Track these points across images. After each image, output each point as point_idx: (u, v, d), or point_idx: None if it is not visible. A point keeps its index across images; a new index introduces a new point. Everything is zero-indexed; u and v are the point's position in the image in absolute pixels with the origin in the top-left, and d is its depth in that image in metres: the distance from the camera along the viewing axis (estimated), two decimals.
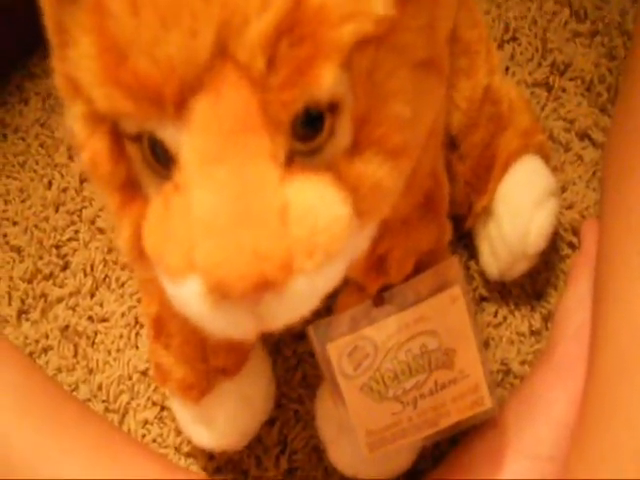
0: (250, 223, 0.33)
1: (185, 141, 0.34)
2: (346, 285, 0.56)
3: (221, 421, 0.63)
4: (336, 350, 0.54)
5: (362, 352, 0.55)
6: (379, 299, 0.54)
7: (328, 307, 0.55)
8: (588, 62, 0.82)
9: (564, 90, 0.81)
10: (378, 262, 0.53)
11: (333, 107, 0.35)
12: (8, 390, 0.62)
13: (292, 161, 0.35)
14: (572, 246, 0.74)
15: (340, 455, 0.63)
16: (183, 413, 0.65)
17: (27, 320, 0.79)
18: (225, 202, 0.33)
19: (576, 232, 0.74)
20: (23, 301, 0.80)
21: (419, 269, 0.55)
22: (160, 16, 0.32)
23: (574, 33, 0.84)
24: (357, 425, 0.57)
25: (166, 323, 0.61)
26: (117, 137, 0.38)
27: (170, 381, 0.63)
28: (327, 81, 0.33)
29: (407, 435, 0.58)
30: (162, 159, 0.36)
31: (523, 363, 0.70)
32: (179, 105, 0.33)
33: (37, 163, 0.87)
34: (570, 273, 0.69)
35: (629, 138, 0.66)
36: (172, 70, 0.32)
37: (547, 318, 0.72)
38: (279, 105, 0.33)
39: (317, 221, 0.34)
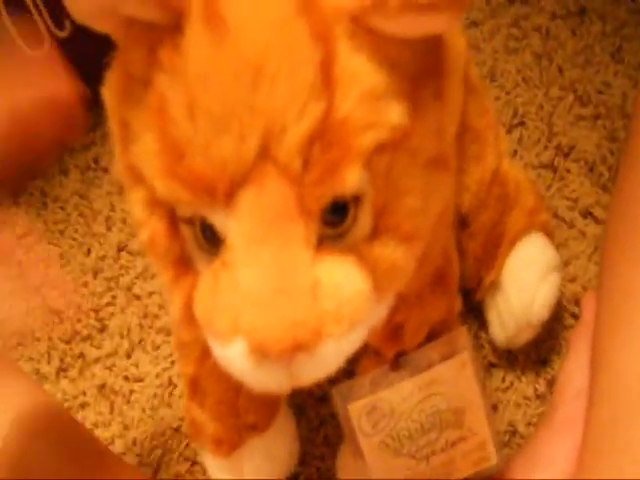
0: (287, 296, 0.38)
1: (232, 225, 0.39)
2: (366, 351, 0.60)
3: (248, 473, 0.68)
4: (356, 410, 0.59)
5: (380, 412, 0.59)
6: (395, 364, 0.59)
7: (349, 371, 0.58)
8: (591, 144, 0.87)
9: (568, 171, 0.86)
10: (394, 330, 0.58)
11: (356, 199, 0.40)
12: None
13: (322, 244, 0.40)
14: (574, 316, 0.79)
15: None
16: (213, 465, 0.70)
17: (65, 377, 0.84)
18: (266, 277, 0.38)
19: (578, 303, 0.78)
20: (62, 360, 0.85)
21: (432, 336, 0.60)
22: (214, 122, 0.37)
23: (578, 117, 0.89)
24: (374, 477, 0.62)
25: (202, 383, 0.65)
26: (173, 219, 0.43)
27: (203, 436, 0.67)
28: (352, 180, 0.38)
29: None
30: (212, 240, 0.41)
31: (529, 425, 0.74)
32: (228, 196, 0.38)
33: (76, 231, 0.93)
34: (570, 342, 0.73)
35: (625, 217, 0.69)
36: (223, 168, 0.38)
37: (551, 383, 0.75)
38: (312, 198, 0.38)
39: (343, 295, 0.40)
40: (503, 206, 0.72)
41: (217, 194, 0.38)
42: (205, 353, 0.50)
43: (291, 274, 0.39)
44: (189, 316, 0.44)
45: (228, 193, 0.38)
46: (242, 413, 0.66)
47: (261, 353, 0.38)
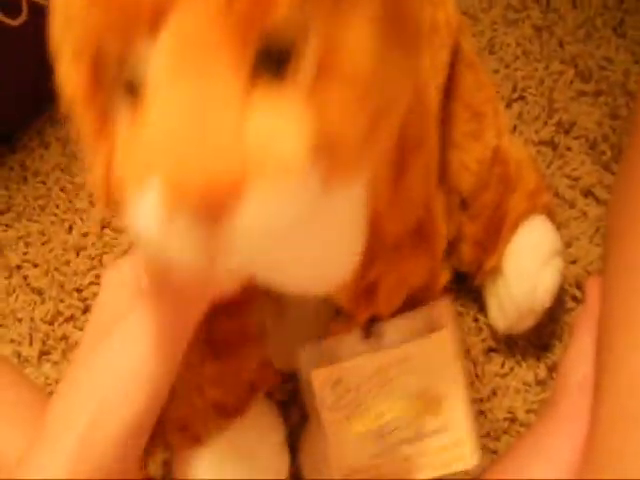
0: (206, 136, 0.33)
1: (153, 59, 0.34)
2: (337, 314, 0.56)
3: (221, 473, 0.58)
4: (319, 379, 0.53)
5: (346, 385, 0.54)
6: (367, 332, 0.54)
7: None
8: (592, 121, 0.85)
9: (569, 149, 0.84)
10: (368, 289, 0.52)
11: (295, 42, 0.35)
12: None
13: (257, 87, 0.34)
14: (576, 300, 0.77)
15: None
16: (181, 464, 0.59)
17: (48, 361, 0.81)
18: (185, 114, 0.33)
19: (580, 286, 0.77)
20: (44, 342, 0.82)
21: (410, 306, 0.55)
22: None
23: (579, 93, 0.87)
24: (333, 460, 0.55)
25: None
26: (96, 72, 0.37)
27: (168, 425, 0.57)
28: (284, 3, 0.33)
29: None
30: (134, 89, 0.36)
31: (529, 412, 0.72)
32: (152, 25, 0.33)
33: (58, 207, 0.90)
34: (574, 327, 0.71)
35: (632, 196, 0.68)
36: None
37: (552, 368, 0.74)
38: (243, 26, 0.33)
39: (273, 143, 0.34)
40: (504, 187, 0.69)
41: (140, 22, 0.34)
42: None
43: (215, 111, 0.33)
44: (109, 186, 0.38)
45: (151, 21, 0.33)
46: (206, 386, 0.57)
47: (175, 198, 0.32)
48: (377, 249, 0.47)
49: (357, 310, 0.54)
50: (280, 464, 0.61)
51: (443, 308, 0.54)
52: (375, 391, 0.54)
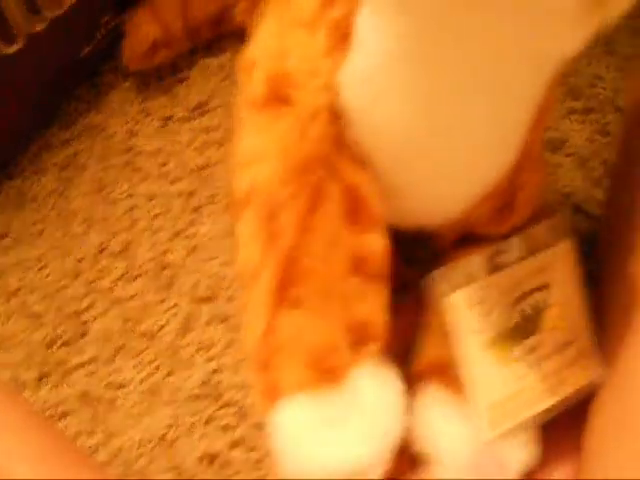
0: None
1: None
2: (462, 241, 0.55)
3: (357, 421, 0.47)
4: (461, 301, 0.50)
5: (487, 304, 0.50)
6: (495, 250, 0.52)
7: None
8: (582, 138, 0.85)
9: (560, 165, 0.84)
10: (509, 199, 0.52)
11: None
12: None
13: None
14: None
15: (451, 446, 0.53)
16: (302, 417, 0.47)
17: (46, 385, 0.81)
18: None
19: None
20: (42, 366, 0.82)
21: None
22: None
23: (569, 110, 0.87)
24: (479, 397, 0.50)
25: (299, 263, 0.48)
26: None
27: (293, 363, 0.47)
28: None
29: (529, 407, 0.52)
30: None
31: None
32: None
33: (54, 233, 0.90)
34: None
35: (624, 211, 0.68)
36: None
37: None
38: None
39: None
40: None
41: None
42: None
43: None
44: None
45: None
46: (353, 300, 0.48)
47: None
48: (525, 157, 0.48)
49: (493, 223, 0.53)
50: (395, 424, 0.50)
51: (563, 219, 0.55)
52: (511, 307, 0.52)
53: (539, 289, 0.52)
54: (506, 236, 0.53)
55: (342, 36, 0.44)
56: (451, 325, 0.50)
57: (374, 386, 0.47)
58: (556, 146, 0.85)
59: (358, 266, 0.47)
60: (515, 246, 0.52)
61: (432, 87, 0.42)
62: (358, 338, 0.47)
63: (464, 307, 0.49)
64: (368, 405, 0.46)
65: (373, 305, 0.48)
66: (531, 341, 0.51)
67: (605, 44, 0.91)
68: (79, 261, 0.87)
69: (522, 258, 0.52)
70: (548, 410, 0.53)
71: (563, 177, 0.84)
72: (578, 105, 0.88)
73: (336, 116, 0.46)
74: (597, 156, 0.84)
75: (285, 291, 0.46)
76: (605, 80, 0.89)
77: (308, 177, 0.46)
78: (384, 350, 0.49)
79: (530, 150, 0.47)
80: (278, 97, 0.47)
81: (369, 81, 0.44)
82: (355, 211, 0.47)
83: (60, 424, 0.78)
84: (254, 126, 0.48)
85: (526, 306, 0.51)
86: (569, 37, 0.41)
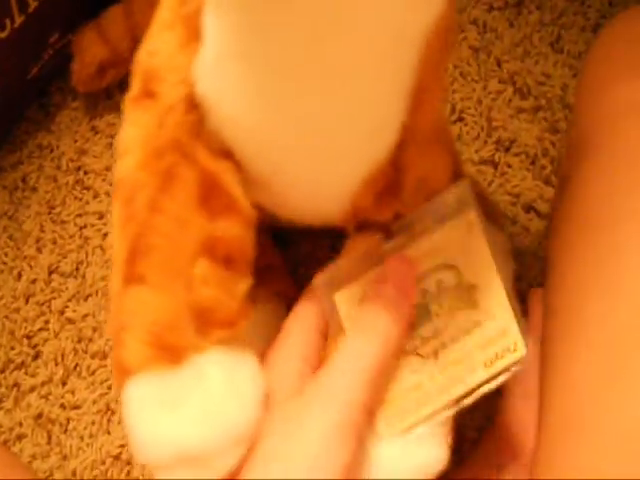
0: None
1: None
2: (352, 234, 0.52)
3: (196, 403, 0.45)
4: (344, 299, 0.47)
5: None
6: (389, 232, 0.49)
7: None
8: (532, 137, 0.85)
9: (509, 166, 0.84)
10: (394, 182, 0.49)
11: None
12: None
13: None
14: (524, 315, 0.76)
15: None
16: (141, 397, 0.45)
17: (0, 409, 0.81)
18: None
19: (525, 301, 0.76)
20: None
21: None
22: None
23: (518, 110, 0.87)
24: None
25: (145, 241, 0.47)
26: None
27: (134, 340, 0.46)
28: None
29: (431, 401, 0.48)
30: None
31: (478, 429, 0.72)
32: None
33: (6, 255, 0.90)
34: None
35: (572, 213, 0.68)
36: None
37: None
38: None
39: None
40: None
41: None
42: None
43: None
44: None
45: None
46: (198, 285, 0.47)
47: None
48: (408, 138, 0.46)
49: (379, 208, 0.50)
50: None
51: (464, 188, 0.49)
52: None
53: (441, 268, 0.48)
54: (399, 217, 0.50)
55: (193, 31, 0.45)
56: (338, 327, 0.48)
57: (219, 373, 0.45)
58: (505, 146, 0.85)
59: (208, 250, 0.47)
60: (408, 226, 0.49)
61: (278, 78, 0.42)
62: (204, 322, 0.46)
63: (348, 306, 0.47)
64: (209, 391, 0.45)
65: (222, 291, 0.48)
66: (429, 328, 0.48)
67: (552, 42, 0.91)
68: (32, 282, 0.87)
69: (417, 238, 0.48)
70: (462, 399, 0.49)
71: (513, 177, 0.83)
72: (526, 104, 0.87)
73: (193, 106, 0.47)
74: (547, 154, 0.84)
75: (132, 267, 0.46)
76: (553, 78, 0.88)
77: (162, 162, 0.47)
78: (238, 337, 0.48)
79: (413, 133, 0.46)
80: (146, 92, 0.48)
81: (215, 74, 0.45)
82: (209, 197, 0.47)
83: (16, 448, 0.78)
84: (128, 120, 0.49)
85: (429, 286, 0.48)
86: (424, 4, 0.41)
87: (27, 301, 0.86)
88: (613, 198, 0.62)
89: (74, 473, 0.76)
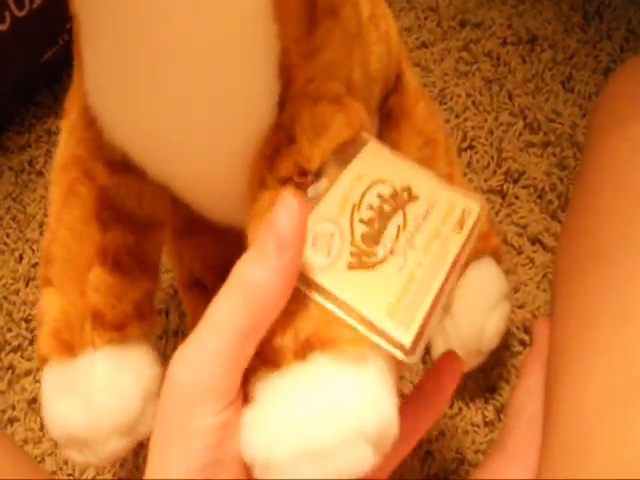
0: None
1: None
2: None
3: (83, 393, 0.50)
4: None
5: (325, 235, 0.47)
6: (304, 182, 0.48)
7: None
8: (540, 171, 0.87)
9: (517, 197, 0.86)
10: (285, 138, 0.48)
11: None
12: None
13: None
14: (523, 343, 0.78)
15: None
16: (46, 383, 0.51)
17: None
18: None
19: (527, 330, 0.78)
20: None
21: None
22: None
23: (527, 144, 0.89)
24: (372, 317, 0.44)
25: (51, 249, 0.53)
26: None
27: (43, 334, 0.51)
28: None
29: (430, 283, 0.47)
30: None
31: (477, 452, 0.73)
32: None
33: (8, 237, 0.89)
34: (523, 367, 0.72)
35: (578, 243, 0.70)
36: None
37: (500, 410, 0.75)
38: None
39: None
40: None
41: None
42: None
43: None
44: None
45: None
46: (90, 290, 0.51)
47: None
48: (287, 95, 0.47)
49: (281, 164, 0.48)
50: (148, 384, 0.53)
51: (363, 135, 0.49)
52: (355, 217, 0.47)
53: (370, 186, 0.48)
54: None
55: (78, 52, 0.48)
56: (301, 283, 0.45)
57: (105, 368, 0.50)
58: (514, 177, 0.87)
59: (101, 258, 0.51)
60: (324, 170, 0.48)
61: (135, 73, 0.44)
62: (97, 324, 0.51)
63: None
64: (94, 384, 0.50)
65: (112, 297, 0.52)
66: (390, 230, 0.47)
67: (563, 81, 0.93)
68: (33, 266, 0.86)
69: (334, 181, 0.47)
70: (448, 279, 0.47)
71: (520, 209, 0.85)
72: (536, 139, 0.89)
73: (90, 123, 0.49)
74: (554, 189, 0.85)
75: (45, 271, 0.52)
76: (563, 116, 0.90)
77: (66, 177, 0.52)
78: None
79: (293, 94, 0.47)
80: (65, 110, 0.53)
81: (95, 87, 0.47)
82: (102, 210, 0.52)
83: (8, 431, 0.77)
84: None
85: (372, 202, 0.47)
86: None
87: (27, 284, 0.85)
88: (624, 229, 0.63)
89: (66, 461, 0.75)
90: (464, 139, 0.90)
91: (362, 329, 0.43)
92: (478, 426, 0.74)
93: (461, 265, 0.48)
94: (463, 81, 0.95)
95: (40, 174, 0.92)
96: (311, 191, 0.47)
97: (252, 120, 0.47)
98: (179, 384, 0.40)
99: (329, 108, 0.48)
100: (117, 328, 0.52)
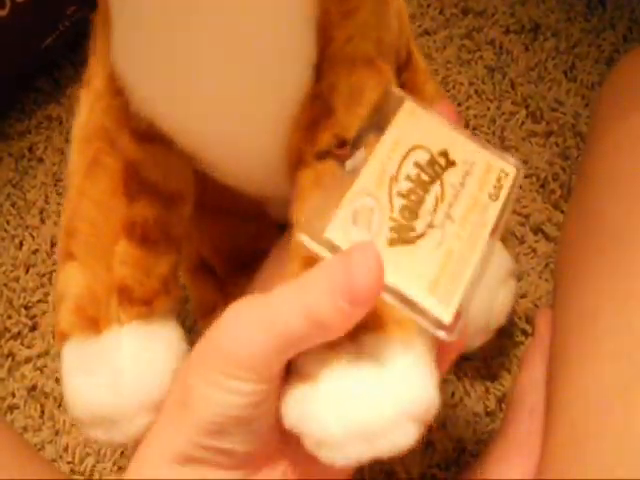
0: None
1: None
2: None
3: (107, 370, 0.49)
4: (334, 235, 0.45)
5: (365, 210, 0.46)
6: (342, 154, 0.47)
7: None
8: (543, 161, 0.86)
9: (520, 187, 0.85)
10: (324, 107, 0.48)
11: None
12: None
13: None
14: (525, 333, 0.78)
15: None
16: (69, 360, 0.50)
17: None
18: None
19: (529, 320, 0.78)
20: None
21: None
22: None
23: (530, 133, 0.89)
24: (413, 293, 0.44)
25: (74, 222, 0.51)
26: None
27: (64, 309, 0.50)
28: None
29: (470, 256, 0.46)
30: None
31: (478, 442, 0.73)
32: None
33: (8, 223, 0.89)
34: (525, 357, 0.72)
35: (581, 234, 0.69)
36: None
37: (501, 400, 0.75)
38: None
39: None
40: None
41: None
42: None
43: None
44: None
45: None
46: (118, 264, 0.50)
47: None
48: (324, 56, 0.47)
49: (319, 136, 0.48)
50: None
51: (392, 91, 0.49)
52: (393, 189, 0.46)
53: (408, 154, 0.47)
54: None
55: (104, 19, 0.48)
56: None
57: (133, 344, 0.49)
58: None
59: (128, 232, 0.50)
60: (358, 139, 0.47)
61: (172, 39, 0.43)
62: (124, 298, 0.50)
63: (344, 232, 0.45)
64: (120, 360, 0.48)
65: (139, 271, 0.51)
66: (429, 201, 0.46)
67: (566, 70, 0.93)
68: (33, 253, 0.86)
69: (371, 149, 0.47)
70: (492, 240, 0.47)
71: (523, 198, 0.85)
72: (539, 128, 0.89)
73: (117, 92, 0.48)
74: (557, 179, 0.85)
75: (66, 245, 0.50)
76: (566, 105, 0.90)
77: (90, 148, 0.50)
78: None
79: (330, 60, 0.46)
80: (86, 80, 0.52)
81: (125, 54, 0.46)
82: (128, 183, 0.50)
83: (7, 418, 0.77)
84: (77, 108, 0.53)
85: (410, 172, 0.47)
86: None
87: (27, 271, 0.85)
88: (626, 219, 0.63)
89: (66, 449, 0.75)
90: (466, 127, 0.89)
91: (405, 310, 0.43)
92: (479, 416, 0.74)
93: (500, 232, 0.47)
94: (465, 69, 0.95)
95: (40, 160, 0.92)
96: (349, 164, 0.46)
97: (289, 83, 0.46)
98: (221, 349, 0.40)
99: (364, 72, 0.48)
100: (145, 303, 0.51)
